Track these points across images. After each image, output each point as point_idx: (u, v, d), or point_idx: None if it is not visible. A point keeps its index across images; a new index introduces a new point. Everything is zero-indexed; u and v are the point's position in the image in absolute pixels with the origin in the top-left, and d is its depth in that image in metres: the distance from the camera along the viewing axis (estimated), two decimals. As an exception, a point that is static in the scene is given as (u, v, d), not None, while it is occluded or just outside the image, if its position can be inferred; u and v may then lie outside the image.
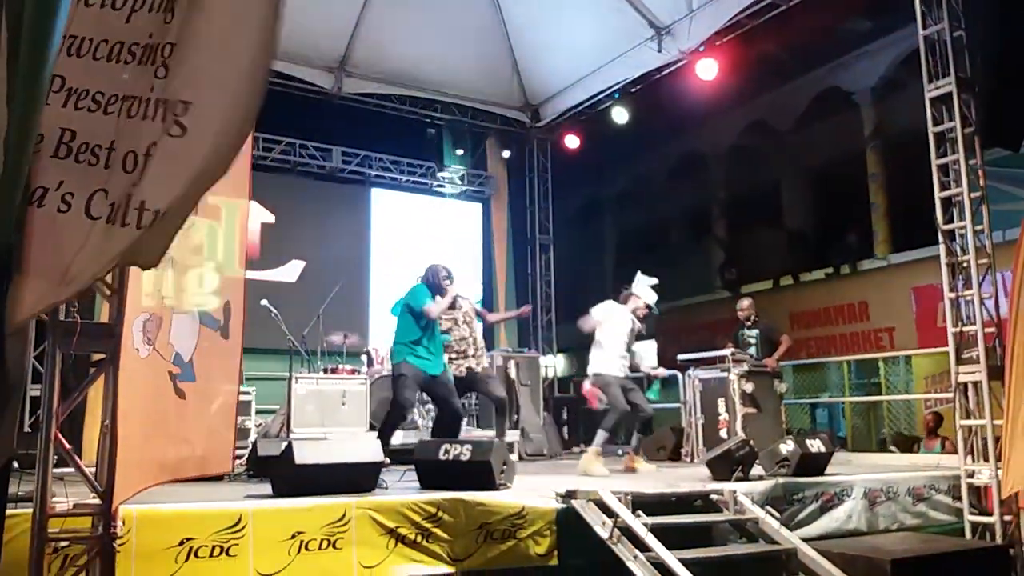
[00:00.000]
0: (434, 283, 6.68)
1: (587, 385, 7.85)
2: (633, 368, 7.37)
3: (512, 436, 9.13)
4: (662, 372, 8.22)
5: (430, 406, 9.62)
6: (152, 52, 2.43)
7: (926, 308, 11.49)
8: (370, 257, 13.12)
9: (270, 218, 12.33)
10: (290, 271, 11.01)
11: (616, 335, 7.19)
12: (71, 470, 3.55)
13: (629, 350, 7.25)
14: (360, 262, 12.94)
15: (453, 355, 7.14)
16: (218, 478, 6.01)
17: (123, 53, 2.45)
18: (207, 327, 3.77)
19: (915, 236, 11.98)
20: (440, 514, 4.50)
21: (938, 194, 6.95)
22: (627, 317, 7.28)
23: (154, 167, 2.36)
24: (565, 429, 10.98)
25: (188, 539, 3.92)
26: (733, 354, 8.08)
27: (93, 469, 3.56)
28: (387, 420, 6.38)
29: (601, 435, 7.00)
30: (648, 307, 7.36)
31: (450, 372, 6.73)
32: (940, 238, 6.90)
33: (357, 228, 13.12)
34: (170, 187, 2.36)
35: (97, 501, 3.44)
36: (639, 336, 7.47)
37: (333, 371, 9.14)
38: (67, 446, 3.54)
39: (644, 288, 7.41)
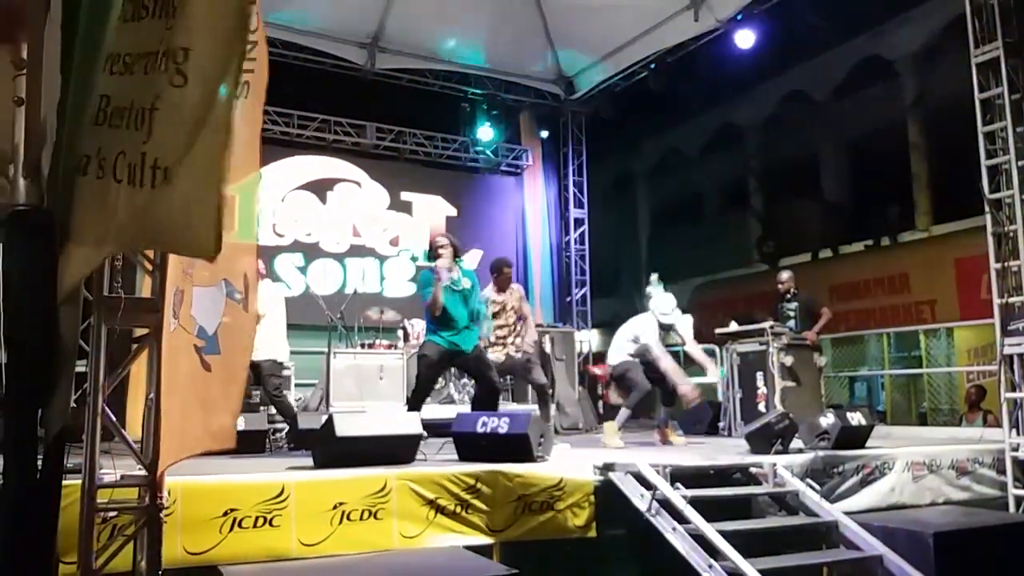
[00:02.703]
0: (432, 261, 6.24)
1: (600, 370, 7.82)
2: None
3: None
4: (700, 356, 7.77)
5: (465, 380, 9.69)
6: (165, 4, 2.38)
7: (969, 280, 11.24)
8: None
9: (453, 211, 12.78)
10: (470, 259, 11.53)
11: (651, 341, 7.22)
12: (116, 442, 3.62)
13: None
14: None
15: (492, 341, 7.11)
16: (259, 451, 6.14)
17: (139, 9, 2.42)
18: (232, 299, 3.77)
19: (958, 206, 11.74)
20: (479, 486, 4.52)
21: (984, 162, 6.79)
22: (651, 323, 7.22)
23: (159, 121, 2.32)
24: (600, 403, 10.98)
25: (232, 510, 3.99)
26: (772, 327, 7.99)
27: (137, 443, 3.62)
28: (410, 399, 6.26)
29: (623, 412, 7.09)
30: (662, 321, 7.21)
31: (481, 350, 6.51)
32: (986, 207, 6.75)
33: (512, 217, 13.78)
34: (174, 141, 2.31)
35: (143, 473, 3.50)
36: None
37: (370, 346, 9.23)
38: (113, 419, 3.61)
39: (657, 299, 7.31)
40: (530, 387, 8.12)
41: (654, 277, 7.57)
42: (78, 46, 2.14)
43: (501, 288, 7.30)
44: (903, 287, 12.55)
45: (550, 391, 7.71)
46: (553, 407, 9.26)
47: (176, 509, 3.83)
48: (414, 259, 12.43)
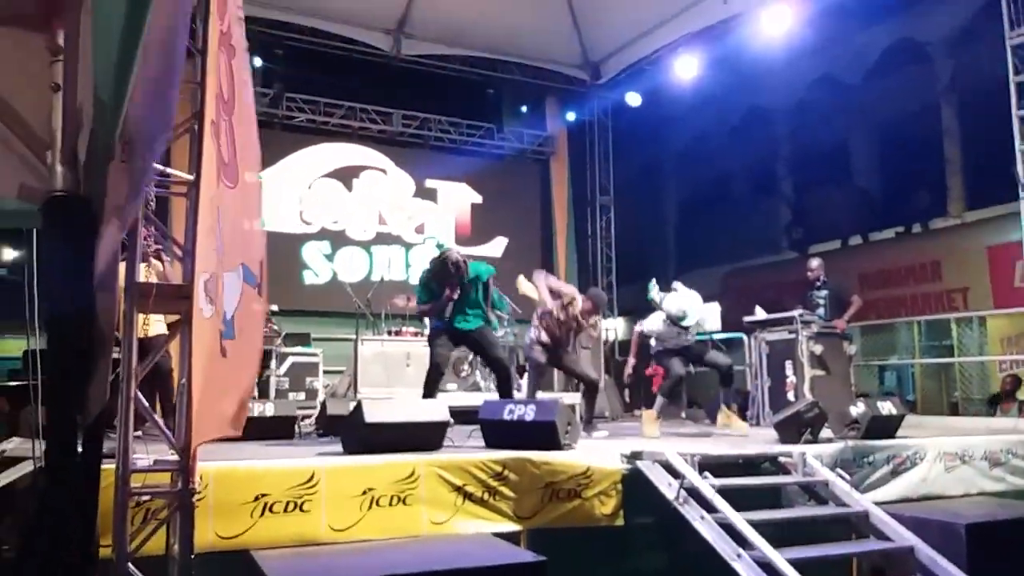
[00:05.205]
0: (441, 272, 6.42)
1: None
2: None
3: (573, 398, 9.16)
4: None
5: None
6: None
7: (1002, 267, 11.09)
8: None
9: (478, 198, 12.91)
10: (496, 247, 12.77)
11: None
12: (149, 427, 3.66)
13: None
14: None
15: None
16: (288, 436, 6.19)
17: None
18: (248, 284, 3.79)
19: (991, 193, 11.54)
20: (506, 473, 4.53)
21: (1019, 147, 6.69)
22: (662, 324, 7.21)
23: None
24: (626, 392, 10.95)
25: (263, 495, 4.02)
26: (801, 315, 7.91)
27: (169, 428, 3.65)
28: (425, 380, 6.42)
29: (659, 400, 7.09)
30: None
31: (487, 329, 6.62)
32: (1020, 193, 6.65)
33: (538, 204, 13.96)
34: None
35: (176, 458, 3.54)
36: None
37: (397, 333, 9.28)
38: (146, 404, 3.65)
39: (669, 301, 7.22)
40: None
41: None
42: (115, 31, 2.14)
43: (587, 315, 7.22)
44: (935, 275, 12.38)
45: (598, 386, 7.66)
46: (578, 395, 9.27)
47: (208, 494, 3.86)
48: (439, 246, 12.58)
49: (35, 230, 2.72)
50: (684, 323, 6.96)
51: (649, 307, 7.42)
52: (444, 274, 6.36)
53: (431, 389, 6.37)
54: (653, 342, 7.30)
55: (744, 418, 8.34)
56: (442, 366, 6.51)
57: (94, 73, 2.34)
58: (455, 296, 6.38)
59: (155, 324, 6.30)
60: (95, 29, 2.27)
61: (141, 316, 5.28)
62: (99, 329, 2.74)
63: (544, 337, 7.03)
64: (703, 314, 7.20)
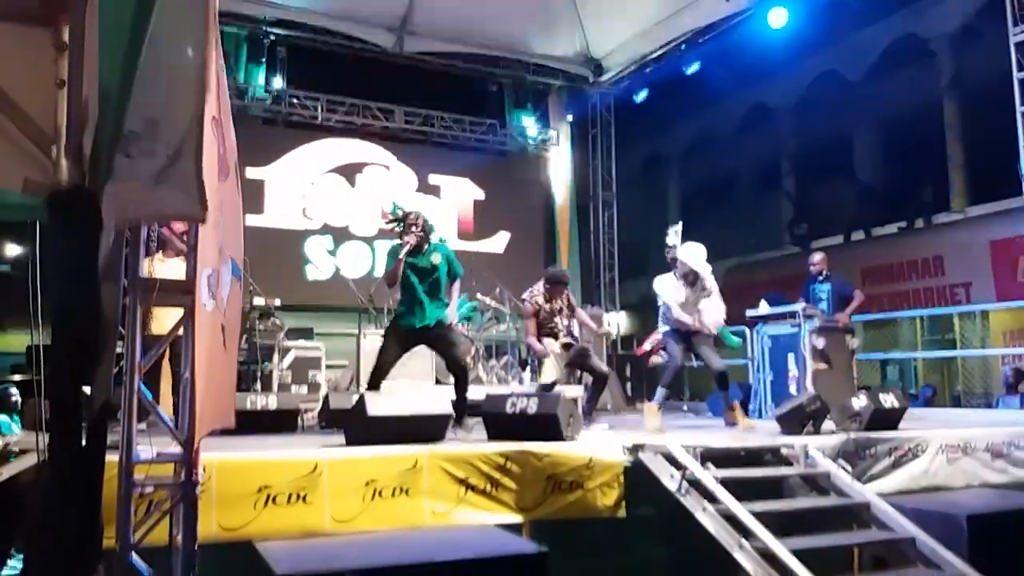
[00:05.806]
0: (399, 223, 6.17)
1: (647, 345, 7.80)
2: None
3: (575, 392, 9.16)
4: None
5: (494, 362, 9.72)
6: None
7: (1005, 262, 11.11)
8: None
9: (481, 194, 12.94)
10: (498, 242, 13.01)
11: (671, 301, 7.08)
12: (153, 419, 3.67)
13: (696, 307, 7.10)
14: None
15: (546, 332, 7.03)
16: (291, 429, 6.20)
17: None
18: (235, 277, 3.83)
19: (994, 188, 11.54)
20: (508, 464, 4.53)
21: (1023, 142, 6.68)
22: (675, 283, 7.10)
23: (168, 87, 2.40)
24: (628, 385, 10.97)
25: (265, 486, 4.03)
26: (804, 309, 7.90)
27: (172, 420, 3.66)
28: (369, 379, 6.02)
29: (659, 392, 7.03)
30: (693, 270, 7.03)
31: (446, 325, 6.14)
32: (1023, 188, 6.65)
33: (540, 200, 14.06)
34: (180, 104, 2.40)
35: (179, 450, 3.55)
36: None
37: (399, 328, 9.28)
38: (149, 397, 3.67)
39: (683, 249, 7.13)
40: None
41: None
42: (124, 22, 2.16)
43: (552, 297, 6.99)
44: (937, 269, 12.39)
45: (607, 378, 7.58)
46: (581, 388, 9.27)
47: (211, 485, 3.87)
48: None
49: (39, 224, 2.73)
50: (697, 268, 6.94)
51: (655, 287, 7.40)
52: (401, 224, 6.12)
53: (374, 385, 5.91)
54: (660, 323, 7.23)
55: (746, 411, 8.35)
56: (385, 369, 6.00)
57: (100, 65, 2.35)
58: (413, 245, 6.10)
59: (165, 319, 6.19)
60: (102, 20, 2.28)
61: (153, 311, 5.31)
62: (103, 322, 2.75)
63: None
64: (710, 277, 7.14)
